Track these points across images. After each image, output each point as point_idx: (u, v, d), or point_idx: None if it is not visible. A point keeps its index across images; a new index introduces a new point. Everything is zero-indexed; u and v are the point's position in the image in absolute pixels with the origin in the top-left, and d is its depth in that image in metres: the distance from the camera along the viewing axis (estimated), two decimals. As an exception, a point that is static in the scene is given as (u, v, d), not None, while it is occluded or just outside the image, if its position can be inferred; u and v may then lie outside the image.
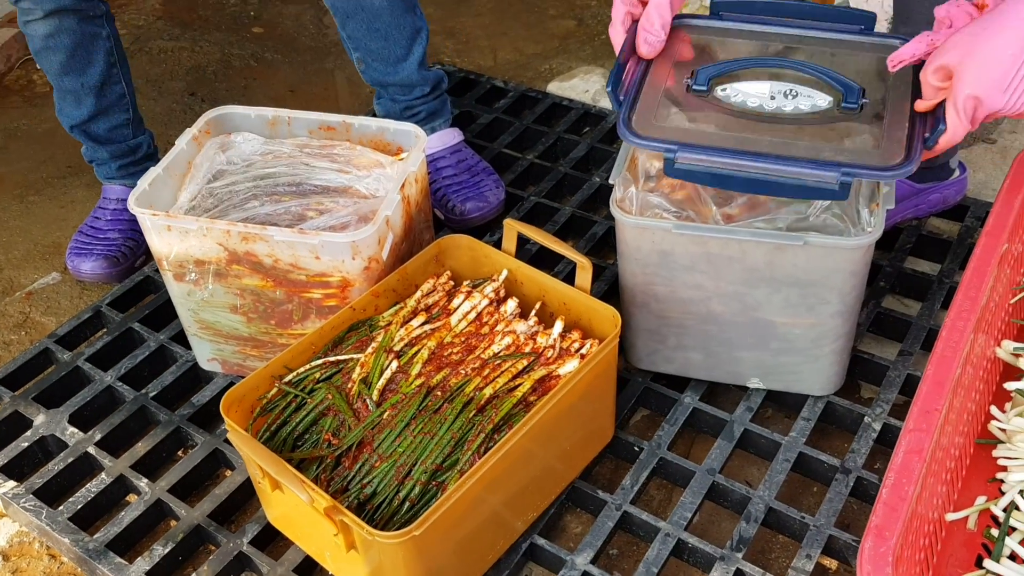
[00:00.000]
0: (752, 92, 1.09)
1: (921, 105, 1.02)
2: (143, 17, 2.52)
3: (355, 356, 1.17)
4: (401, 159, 1.37)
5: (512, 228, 1.27)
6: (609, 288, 1.49)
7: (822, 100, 1.08)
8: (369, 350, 1.17)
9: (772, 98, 1.09)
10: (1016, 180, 1.18)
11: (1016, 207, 1.15)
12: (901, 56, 1.04)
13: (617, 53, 1.13)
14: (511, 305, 1.24)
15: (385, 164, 1.36)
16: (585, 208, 1.67)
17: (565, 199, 1.73)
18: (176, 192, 1.32)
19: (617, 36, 1.14)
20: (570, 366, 1.16)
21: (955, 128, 0.97)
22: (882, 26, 1.84)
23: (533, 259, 1.53)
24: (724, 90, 1.11)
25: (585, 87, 2.03)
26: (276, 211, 1.32)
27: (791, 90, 1.09)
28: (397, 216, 1.25)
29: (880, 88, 1.09)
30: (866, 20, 1.16)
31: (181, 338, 1.43)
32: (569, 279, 1.25)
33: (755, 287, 1.17)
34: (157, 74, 2.29)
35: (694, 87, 1.11)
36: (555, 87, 2.06)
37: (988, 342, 1.16)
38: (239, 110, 1.40)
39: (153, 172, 1.27)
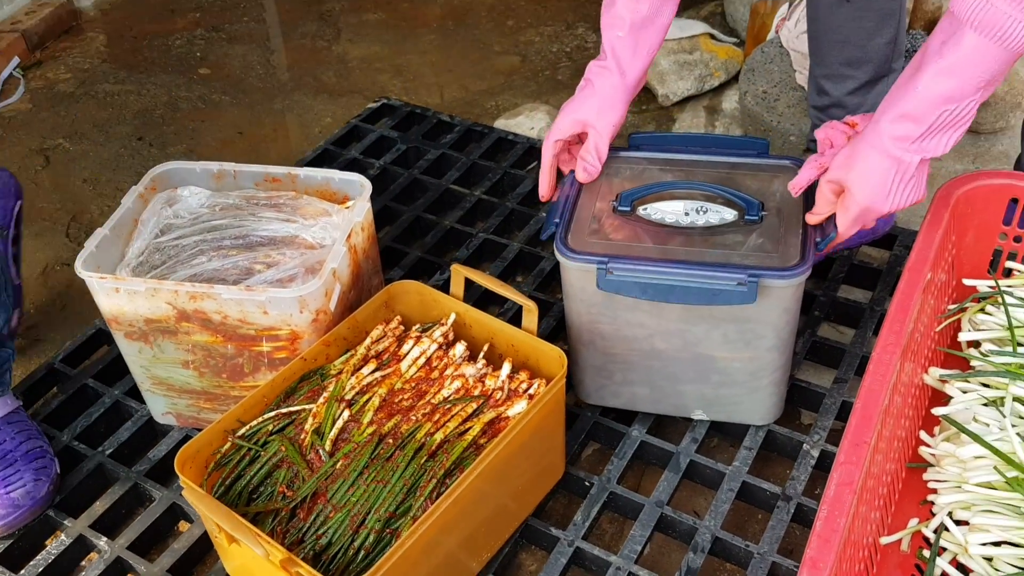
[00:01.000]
0: (668, 210, 1.24)
1: (812, 219, 1.19)
2: (88, 60, 2.52)
3: (307, 407, 1.19)
4: (347, 207, 1.39)
5: (459, 273, 1.30)
6: (557, 323, 1.53)
7: (728, 214, 1.23)
8: (321, 400, 1.19)
9: (686, 214, 1.24)
10: (936, 215, 1.24)
11: (937, 240, 1.21)
12: (799, 183, 1.22)
13: (549, 195, 1.32)
14: (460, 348, 1.27)
15: (331, 212, 1.39)
16: (532, 244, 1.71)
17: (513, 235, 1.76)
18: (123, 249, 1.33)
19: (546, 179, 1.32)
20: (519, 407, 1.19)
21: (846, 231, 1.14)
22: (801, 67, 1.91)
23: (482, 298, 1.56)
24: (645, 209, 1.25)
25: (531, 124, 2.06)
26: (224, 266, 1.34)
27: (702, 207, 1.24)
28: (344, 267, 1.28)
29: (776, 202, 1.25)
30: (761, 146, 1.33)
31: (135, 393, 1.43)
32: (517, 317, 1.28)
33: (695, 324, 1.22)
34: (103, 118, 2.29)
35: (619, 208, 1.25)
36: (501, 124, 2.09)
37: (916, 370, 1.21)
38: (184, 165, 1.42)
39: (100, 233, 1.28)
